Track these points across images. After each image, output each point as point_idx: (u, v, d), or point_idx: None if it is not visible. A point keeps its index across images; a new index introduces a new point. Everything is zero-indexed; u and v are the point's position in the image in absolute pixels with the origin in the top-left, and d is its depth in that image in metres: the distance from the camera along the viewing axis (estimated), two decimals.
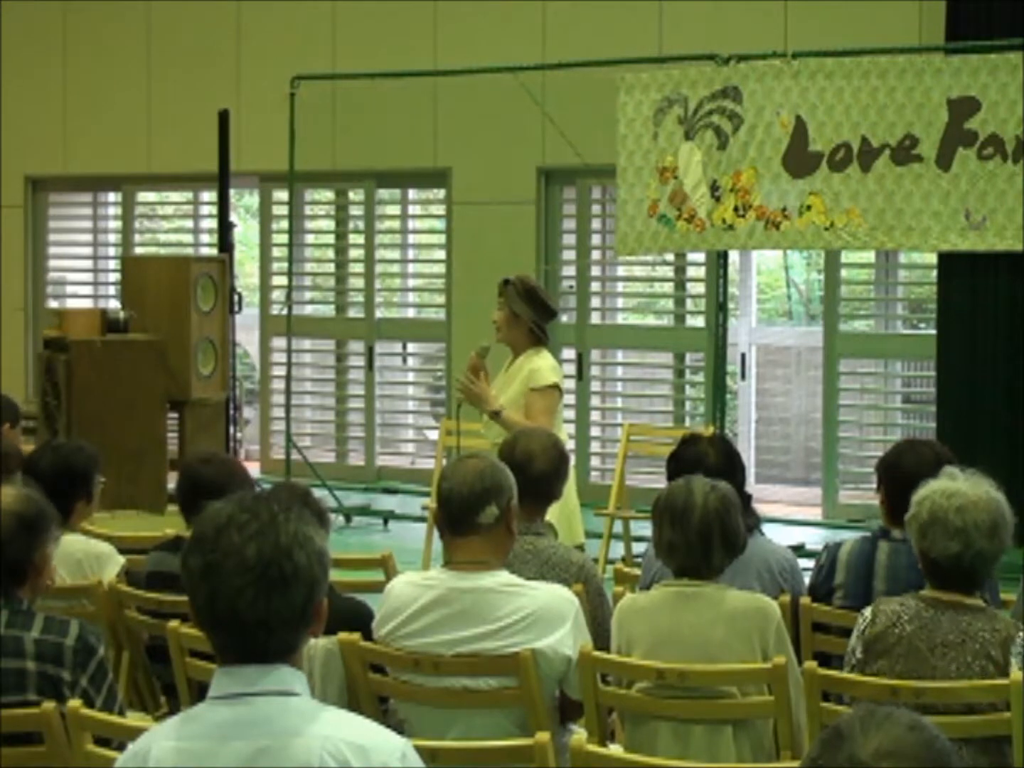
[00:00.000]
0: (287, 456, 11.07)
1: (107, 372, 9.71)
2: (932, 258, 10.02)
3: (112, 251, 13.70)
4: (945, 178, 8.59)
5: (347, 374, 12.49)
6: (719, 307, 9.75)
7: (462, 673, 4.15)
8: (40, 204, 13.71)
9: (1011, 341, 9.48)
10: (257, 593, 2.56)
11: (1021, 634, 4.00)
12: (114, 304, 12.02)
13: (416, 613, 4.20)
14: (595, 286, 11.63)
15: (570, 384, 10.54)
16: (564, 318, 10.97)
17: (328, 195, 12.97)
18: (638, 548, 8.20)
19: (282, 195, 11.88)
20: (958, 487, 4.06)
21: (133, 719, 4.05)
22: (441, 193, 12.04)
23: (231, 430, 10.87)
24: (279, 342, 12.19)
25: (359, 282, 12.37)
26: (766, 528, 5.30)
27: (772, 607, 4.29)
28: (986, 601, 4.48)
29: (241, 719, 2.55)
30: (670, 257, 11.05)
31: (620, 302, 11.93)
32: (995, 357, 9.55)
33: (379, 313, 12.31)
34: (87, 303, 13.44)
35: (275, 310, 12.58)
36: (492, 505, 4.19)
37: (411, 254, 12.62)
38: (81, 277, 13.99)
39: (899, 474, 4.74)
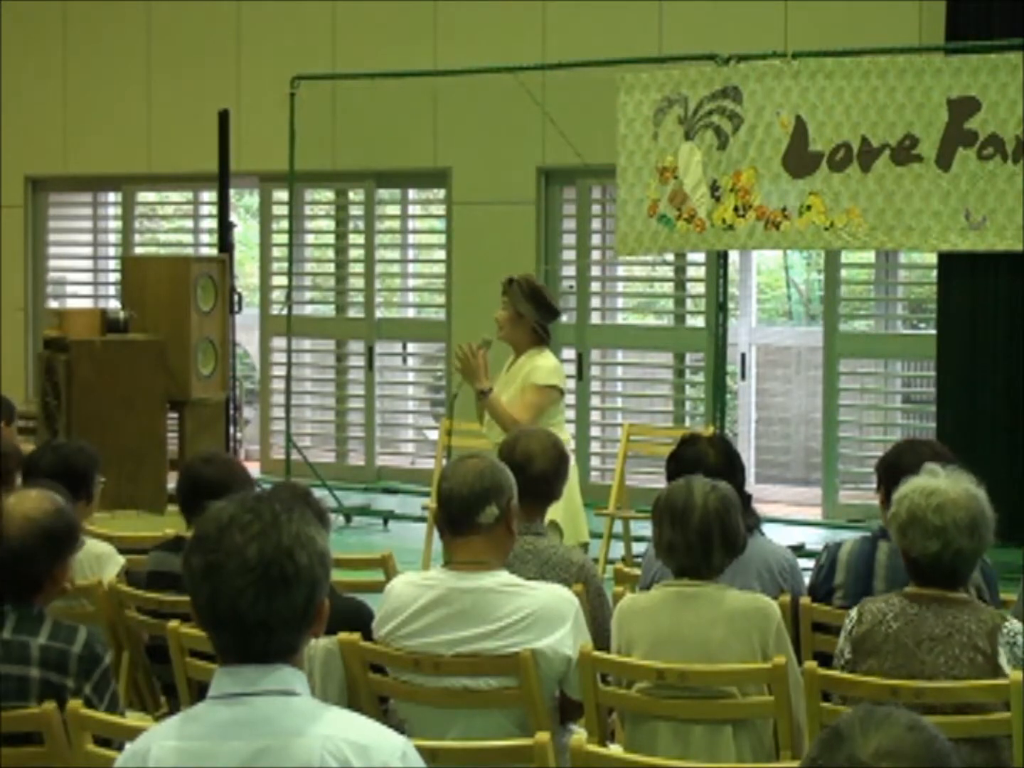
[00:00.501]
0: (287, 456, 11.07)
1: (107, 372, 9.71)
2: (932, 258, 10.02)
3: (112, 251, 13.70)
4: (945, 178, 8.59)
5: (347, 374, 12.49)
6: (719, 307, 9.75)
7: (462, 673, 4.15)
8: (40, 204, 13.71)
9: (1011, 341, 9.48)
10: (258, 593, 2.56)
11: (1007, 623, 4.01)
12: (114, 304, 12.02)
13: (416, 613, 4.20)
14: (595, 286, 11.63)
15: (570, 384, 10.52)
16: (564, 318, 10.96)
17: (328, 195, 12.97)
18: (638, 548, 8.20)
19: (282, 195, 11.88)
20: (937, 485, 4.05)
21: (133, 719, 4.05)
22: (441, 193, 12.04)
23: (231, 430, 10.88)
24: (279, 342, 12.19)
25: (359, 282, 12.37)
26: (766, 528, 5.30)
27: (772, 607, 4.29)
28: (984, 600, 4.50)
29: (241, 719, 2.55)
30: (670, 257, 11.05)
31: (620, 302, 11.93)
32: (995, 357, 9.56)
33: (379, 313, 12.31)
34: (87, 303, 13.44)
35: (275, 310, 12.58)
36: (492, 505, 4.19)
37: (411, 254, 12.62)
38: (81, 277, 13.99)
39: (899, 474, 4.73)
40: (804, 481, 11.91)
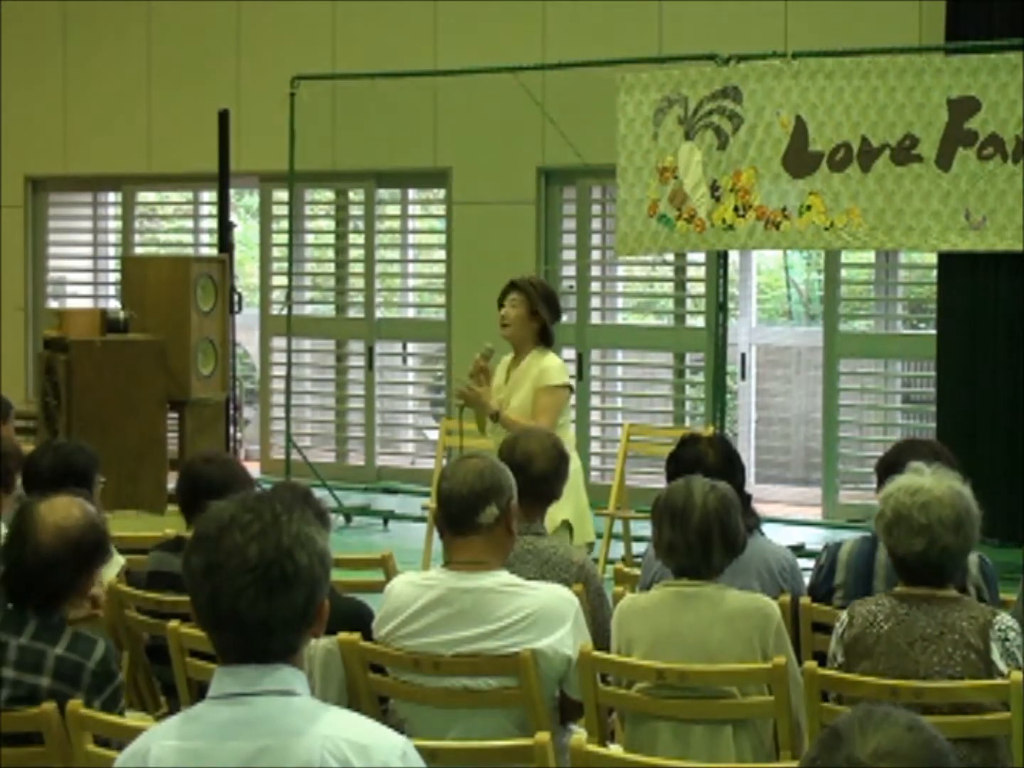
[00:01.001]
0: (287, 456, 11.08)
1: (107, 372, 9.70)
2: (932, 258, 10.02)
3: (112, 251, 13.70)
4: (945, 178, 8.59)
5: (347, 374, 12.49)
6: (719, 307, 9.75)
7: (462, 673, 4.15)
8: (40, 204, 13.71)
9: (1011, 341, 9.48)
10: (258, 593, 2.56)
11: (998, 618, 4.01)
12: (114, 304, 12.02)
13: (416, 613, 4.20)
14: (595, 286, 11.63)
15: None
16: (564, 318, 10.94)
17: (328, 195, 12.97)
18: (638, 548, 8.21)
19: (282, 195, 11.88)
20: (922, 483, 4.06)
21: (133, 719, 4.05)
22: (441, 193, 12.04)
23: (231, 430, 10.88)
24: (279, 342, 12.19)
25: (359, 282, 12.37)
26: (766, 528, 5.30)
27: (772, 607, 4.29)
28: (984, 600, 4.50)
29: (241, 719, 2.55)
30: (670, 257, 11.06)
31: (620, 302, 11.93)
32: (995, 357, 9.56)
33: (379, 313, 12.31)
34: (87, 303, 13.44)
35: (275, 310, 12.59)
36: (492, 505, 4.19)
37: (411, 254, 12.62)
38: (81, 277, 14.00)
39: (899, 474, 4.74)
40: (804, 481, 11.91)
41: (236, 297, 10.72)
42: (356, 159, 11.92)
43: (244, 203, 15.61)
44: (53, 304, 13.49)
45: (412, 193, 12.54)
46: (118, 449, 9.08)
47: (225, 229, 10.94)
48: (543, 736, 3.62)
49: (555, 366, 6.72)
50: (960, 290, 9.66)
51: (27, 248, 13.61)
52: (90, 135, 13.10)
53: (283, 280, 12.04)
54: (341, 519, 10.52)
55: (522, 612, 4.14)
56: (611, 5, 10.95)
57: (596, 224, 11.51)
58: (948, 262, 9.62)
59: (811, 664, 4.15)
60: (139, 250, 13.45)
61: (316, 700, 2.66)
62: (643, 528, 6.64)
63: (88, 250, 13.99)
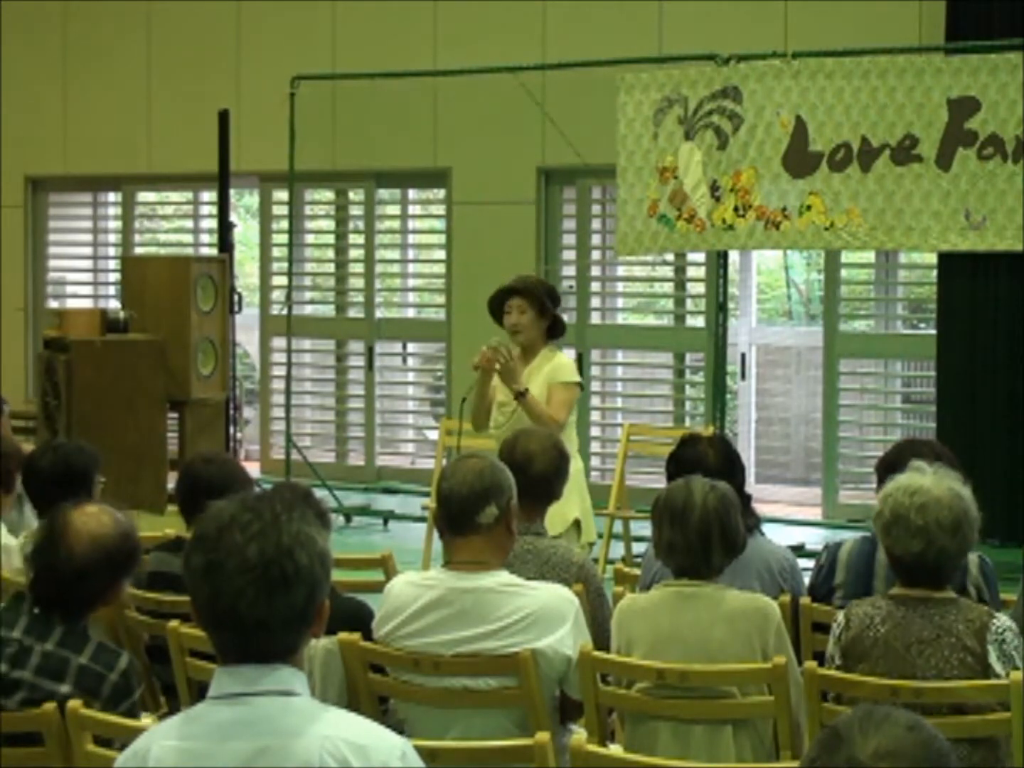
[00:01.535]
0: (287, 456, 11.07)
1: (107, 372, 9.71)
2: (932, 258, 10.02)
3: (112, 251, 13.70)
4: (945, 178, 8.59)
5: (347, 374, 12.49)
6: (719, 307, 9.75)
7: (462, 673, 4.15)
8: (40, 204, 13.71)
9: (1011, 341, 9.48)
10: (258, 593, 2.56)
11: (995, 620, 4.00)
12: (114, 304, 12.03)
13: (416, 613, 4.20)
14: (595, 286, 11.62)
15: None
16: (564, 318, 10.95)
17: (328, 195, 12.97)
18: (638, 548, 8.21)
19: (282, 195, 11.88)
20: (921, 484, 4.05)
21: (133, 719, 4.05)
22: (441, 193, 12.04)
23: (231, 430, 10.88)
24: (279, 342, 12.19)
25: (359, 282, 12.38)
26: (766, 528, 5.30)
27: (772, 607, 4.29)
28: (984, 600, 4.49)
29: (241, 719, 2.55)
30: (670, 257, 11.05)
31: (620, 302, 11.93)
32: (995, 357, 9.56)
33: (379, 313, 12.31)
34: (87, 303, 13.44)
35: (275, 310, 12.59)
36: (492, 505, 4.19)
37: (411, 254, 12.62)
38: (81, 277, 13.99)
39: (899, 474, 4.74)
40: (804, 481, 11.91)
41: (236, 297, 10.72)
42: (356, 159, 11.92)
43: (244, 203, 15.61)
44: (53, 304, 13.49)
45: (412, 193, 12.54)
46: (118, 449, 9.07)
47: (225, 229, 10.95)
48: (543, 736, 3.62)
49: (568, 363, 6.75)
50: (960, 290, 9.66)
51: (27, 248, 13.61)
52: (90, 135, 13.10)
53: (283, 280, 12.04)
54: (341, 519, 10.52)
55: (522, 612, 4.14)
56: (611, 5, 10.95)
57: (596, 224, 11.51)
58: (948, 262, 9.62)
59: (811, 664, 4.15)
60: (139, 250, 13.45)
61: (315, 700, 2.66)
62: (643, 528, 6.64)
63: (88, 250, 13.99)
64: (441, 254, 12.05)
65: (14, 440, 6.53)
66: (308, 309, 12.72)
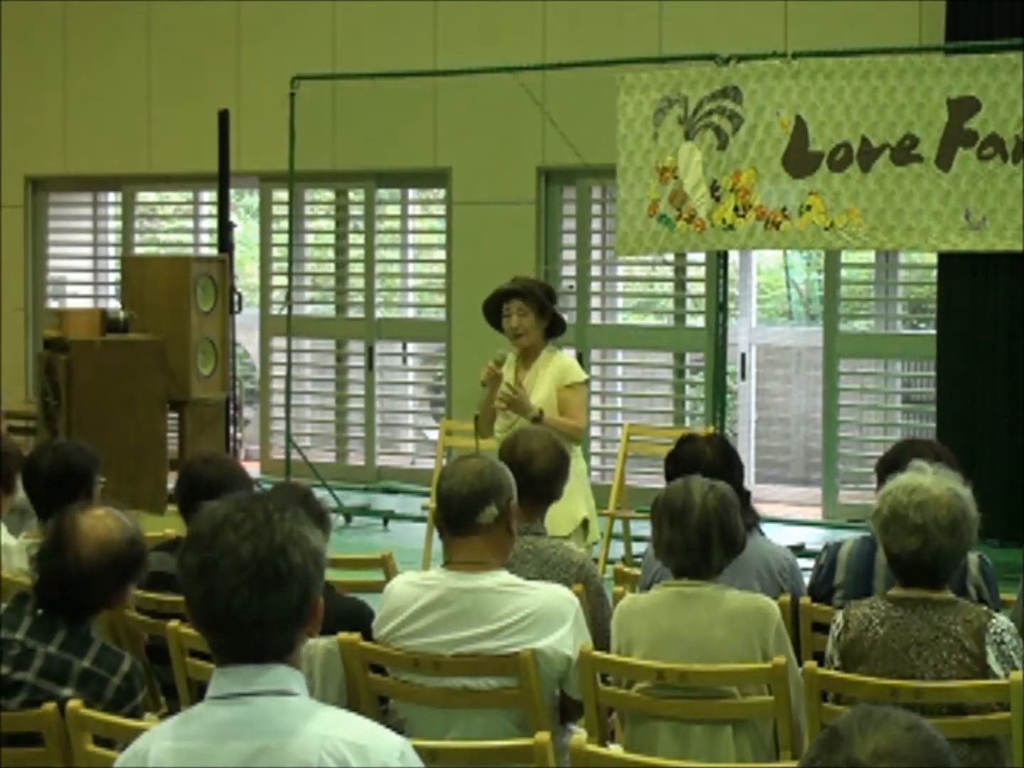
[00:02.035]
0: (287, 456, 11.07)
1: (107, 372, 9.71)
2: (932, 258, 10.02)
3: (112, 251, 13.70)
4: (945, 178, 8.59)
5: (347, 374, 12.49)
6: (719, 307, 9.75)
7: (462, 673, 4.15)
8: (40, 204, 13.71)
9: (1011, 341, 9.48)
10: (252, 592, 2.56)
11: (993, 621, 4.00)
12: (114, 304, 12.03)
13: (416, 613, 4.20)
14: (595, 286, 11.62)
15: None
16: (564, 318, 10.96)
17: (328, 195, 12.97)
18: (638, 548, 8.21)
19: (282, 195, 11.88)
20: (921, 482, 4.05)
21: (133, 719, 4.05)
22: (441, 193, 12.04)
23: (231, 430, 10.88)
24: (279, 342, 12.19)
25: (359, 282, 12.38)
26: (766, 528, 5.30)
27: (771, 607, 4.29)
28: (984, 600, 4.49)
29: (239, 719, 2.56)
30: (670, 257, 11.05)
31: (620, 302, 11.93)
32: (995, 357, 9.56)
33: (379, 313, 12.31)
34: (87, 303, 13.44)
35: (275, 310, 12.58)
36: (492, 505, 4.19)
37: (411, 254, 12.62)
38: (81, 277, 13.99)
39: (899, 474, 4.74)
40: (804, 481, 11.91)
41: (236, 297, 10.73)
42: (356, 159, 11.92)
43: (244, 203, 15.61)
44: (53, 304, 13.49)
45: (412, 193, 12.54)
46: (118, 449, 9.08)
47: (225, 229, 10.95)
48: (543, 736, 3.62)
49: (573, 363, 6.83)
50: (960, 290, 9.66)
51: (27, 248, 13.60)
52: (90, 135, 13.10)
53: (283, 280, 12.04)
54: (341, 519, 10.52)
55: (522, 612, 4.14)
56: (611, 5, 10.95)
57: (596, 224, 11.51)
58: (948, 262, 9.61)
59: (811, 664, 4.15)
60: (139, 250, 13.45)
61: (313, 700, 2.66)
62: (643, 528, 6.65)
63: (88, 250, 13.99)
64: (441, 254, 12.05)
65: (13, 440, 6.54)
66: (308, 309, 12.72)
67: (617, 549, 8.72)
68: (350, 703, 4.25)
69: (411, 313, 12.78)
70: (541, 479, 4.96)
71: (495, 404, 6.66)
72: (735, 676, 4.21)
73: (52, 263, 13.88)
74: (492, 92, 10.75)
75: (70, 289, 13.99)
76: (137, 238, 13.60)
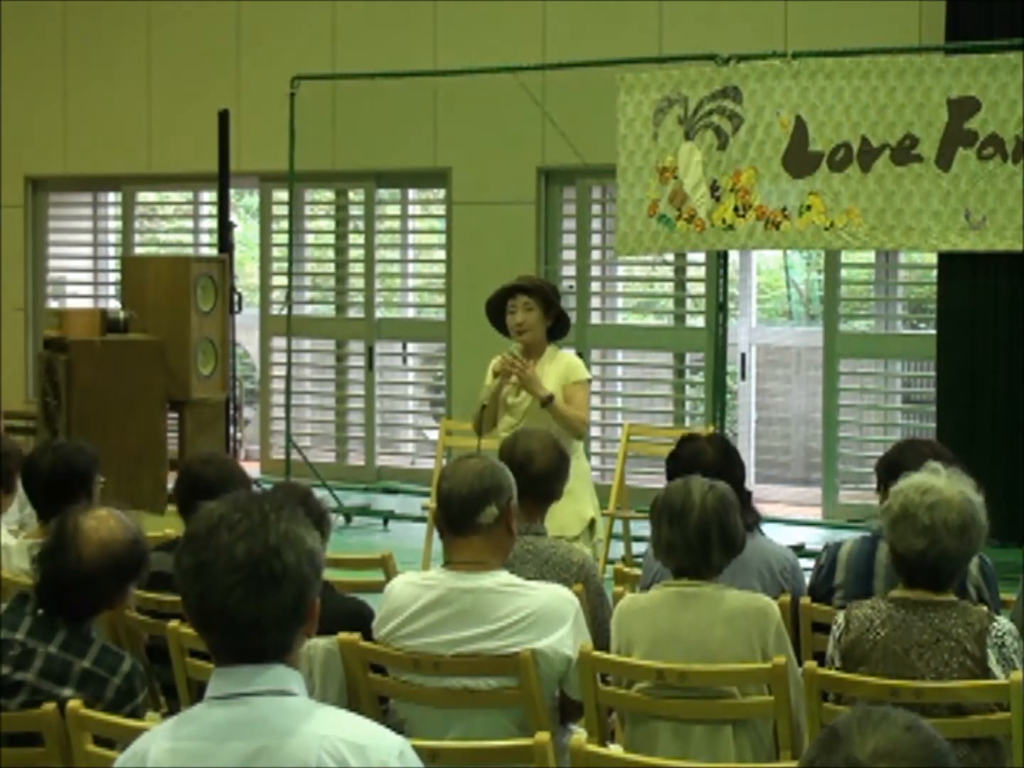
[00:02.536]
0: (287, 456, 11.07)
1: (107, 372, 9.71)
2: (932, 258, 10.02)
3: (112, 251, 13.70)
4: (945, 178, 8.59)
5: (347, 374, 12.49)
6: (719, 307, 9.75)
7: (462, 673, 4.15)
8: (40, 204, 13.71)
9: (1011, 341, 9.48)
10: (247, 592, 2.56)
11: (994, 624, 4.00)
12: (114, 304, 12.02)
13: (416, 613, 4.20)
14: (595, 286, 11.62)
15: None
16: (569, 318, 10.96)
17: (328, 195, 12.97)
18: (638, 548, 8.21)
19: (282, 195, 11.88)
20: (934, 483, 4.04)
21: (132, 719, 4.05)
22: (441, 193, 12.04)
23: (231, 430, 10.88)
24: (279, 342, 12.19)
25: (359, 282, 12.37)
26: (766, 528, 5.30)
27: (772, 607, 4.29)
28: (984, 601, 4.48)
29: (238, 719, 2.55)
30: (670, 257, 11.05)
31: (620, 302, 11.93)
32: (995, 357, 9.56)
33: (379, 313, 12.31)
34: (87, 303, 13.44)
35: (275, 310, 12.58)
36: (492, 505, 4.19)
37: (411, 254, 12.62)
38: (81, 277, 13.99)
39: (899, 474, 4.73)
40: (804, 481, 11.91)
41: (236, 297, 10.73)
42: (356, 159, 11.92)
43: (244, 203, 15.61)
44: (53, 304, 13.48)
45: (412, 193, 12.54)
46: (118, 449, 9.08)
47: (225, 229, 10.95)
48: (543, 736, 3.62)
49: (577, 361, 6.83)
50: (960, 290, 9.66)
51: (27, 248, 13.60)
52: (90, 135, 13.10)
53: (283, 280, 12.04)
54: (341, 519, 10.52)
55: (522, 612, 4.14)
56: (611, 5, 10.95)
57: (596, 224, 11.51)
58: (948, 262, 9.61)
59: (811, 664, 4.15)
60: (139, 250, 13.45)
61: (312, 700, 2.66)
62: (643, 528, 6.64)
63: (88, 250, 13.99)
64: (441, 254, 12.05)
65: (14, 440, 6.54)
66: (308, 309, 12.72)
67: (617, 549, 8.71)
68: (350, 703, 4.25)
69: (411, 313, 12.78)
70: (541, 479, 4.96)
71: (497, 367, 6.57)
72: (735, 676, 4.21)
73: (52, 263, 13.88)
74: (492, 92, 10.75)
75: (70, 289, 13.99)
76: (137, 238, 13.60)
